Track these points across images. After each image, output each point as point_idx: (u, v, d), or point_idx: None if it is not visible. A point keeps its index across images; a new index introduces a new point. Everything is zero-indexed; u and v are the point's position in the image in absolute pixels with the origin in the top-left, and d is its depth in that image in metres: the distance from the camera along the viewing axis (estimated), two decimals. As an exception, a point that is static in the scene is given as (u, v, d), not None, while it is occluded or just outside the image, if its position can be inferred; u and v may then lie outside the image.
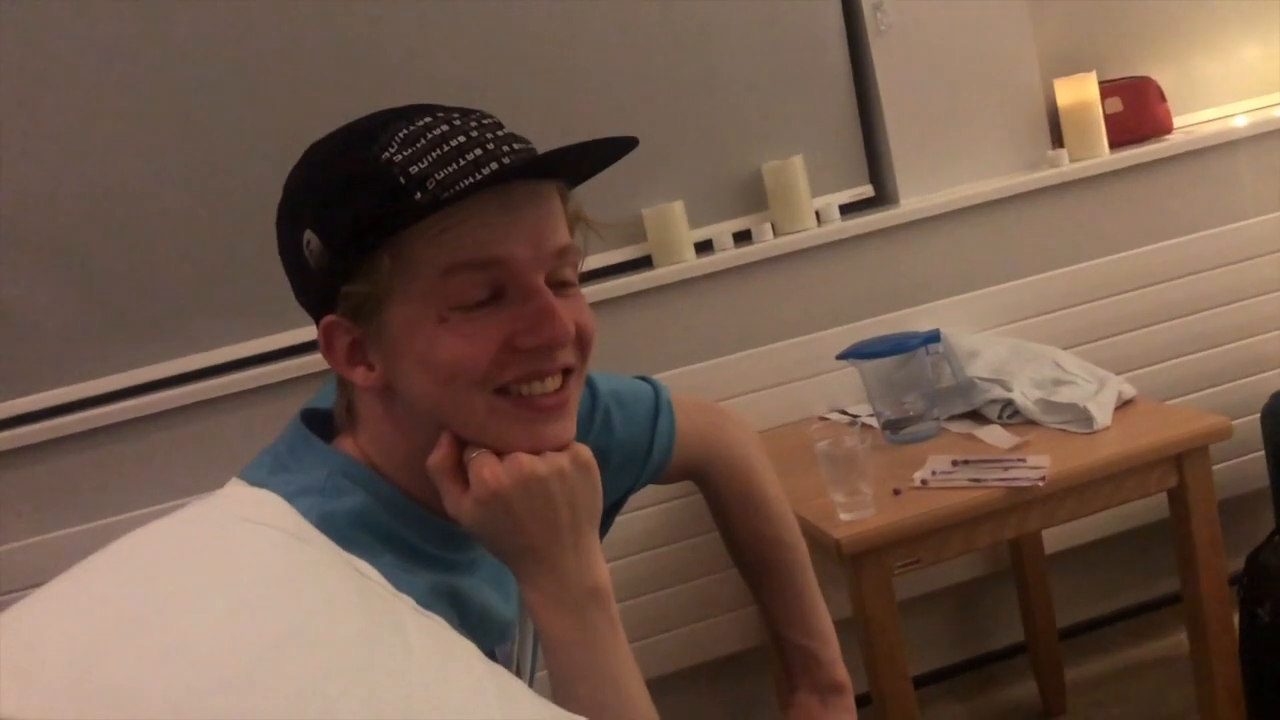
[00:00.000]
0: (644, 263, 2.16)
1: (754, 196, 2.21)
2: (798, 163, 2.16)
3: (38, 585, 0.63)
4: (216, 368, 2.02)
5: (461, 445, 0.84)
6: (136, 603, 0.60)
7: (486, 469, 0.82)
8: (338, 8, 1.98)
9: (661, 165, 2.12)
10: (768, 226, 2.17)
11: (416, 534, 0.85)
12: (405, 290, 0.80)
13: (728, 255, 2.14)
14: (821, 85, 2.21)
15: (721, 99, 2.17)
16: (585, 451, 0.86)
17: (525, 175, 0.81)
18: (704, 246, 2.18)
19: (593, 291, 2.02)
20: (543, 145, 0.84)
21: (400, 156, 0.78)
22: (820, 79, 2.21)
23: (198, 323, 2.00)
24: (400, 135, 0.79)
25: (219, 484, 0.84)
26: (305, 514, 0.76)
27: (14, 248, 1.91)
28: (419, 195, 0.78)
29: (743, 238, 2.20)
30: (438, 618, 0.71)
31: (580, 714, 0.77)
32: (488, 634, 0.89)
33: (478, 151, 0.79)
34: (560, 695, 0.83)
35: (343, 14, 1.99)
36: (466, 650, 0.70)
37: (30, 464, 1.92)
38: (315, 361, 1.93)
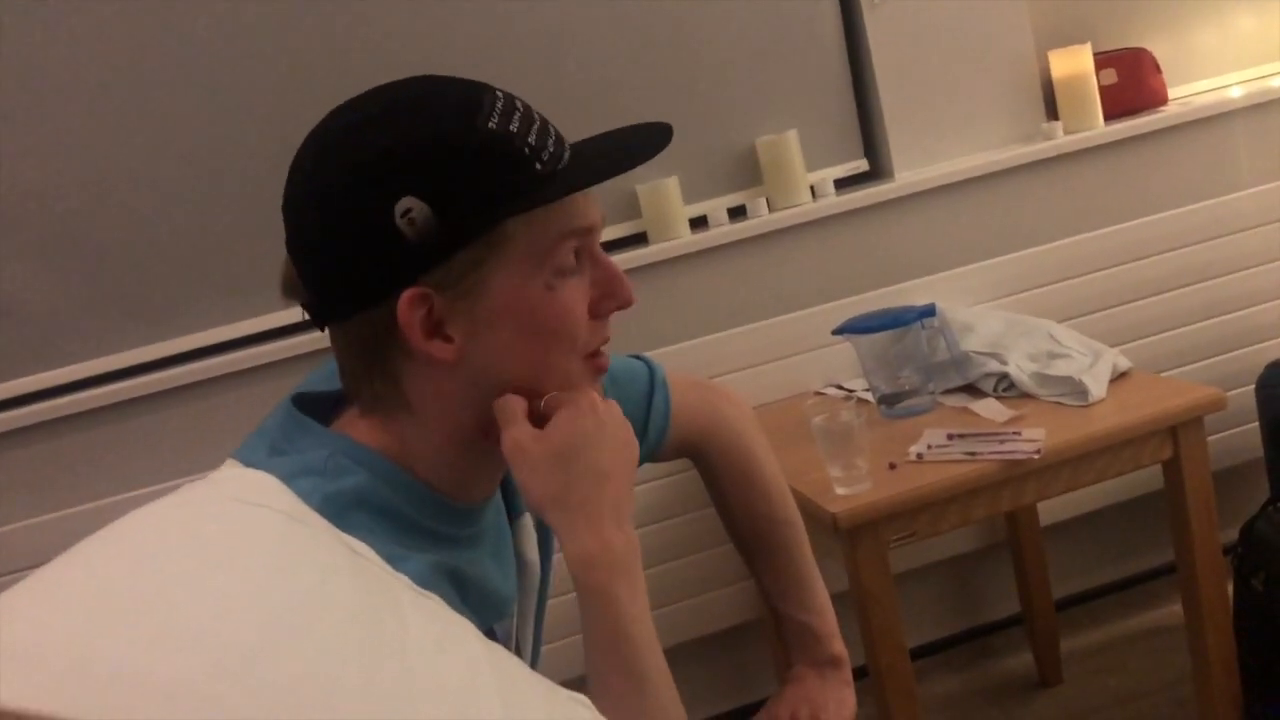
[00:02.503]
0: (639, 239, 2.16)
1: (749, 172, 2.20)
2: (792, 137, 2.15)
3: (32, 568, 0.63)
4: (211, 348, 2.02)
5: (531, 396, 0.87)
6: (133, 587, 0.60)
7: (571, 404, 0.85)
8: (328, -15, 1.97)
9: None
10: (762, 202, 2.17)
11: (420, 511, 0.85)
12: (519, 258, 0.82)
13: (722, 231, 2.14)
14: (816, 59, 2.20)
15: (715, 74, 2.16)
16: (614, 408, 0.90)
17: (628, 168, 0.85)
18: (699, 222, 2.17)
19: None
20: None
21: (513, 128, 0.81)
22: (814, 53, 2.20)
23: (191, 303, 2.00)
24: (498, 107, 0.81)
25: (215, 465, 0.83)
26: (307, 495, 0.76)
27: (5, 231, 1.91)
28: (539, 167, 0.81)
29: (737, 213, 2.19)
30: (435, 597, 0.71)
31: (612, 678, 0.81)
32: (487, 611, 0.89)
33: (552, 130, 0.85)
34: (591, 658, 0.84)
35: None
36: (465, 629, 0.70)
37: (24, 446, 1.92)
38: (309, 341, 1.93)
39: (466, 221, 0.79)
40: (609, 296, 0.88)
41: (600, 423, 0.86)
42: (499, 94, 0.83)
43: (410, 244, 0.79)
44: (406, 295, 0.80)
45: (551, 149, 0.83)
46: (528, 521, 1.02)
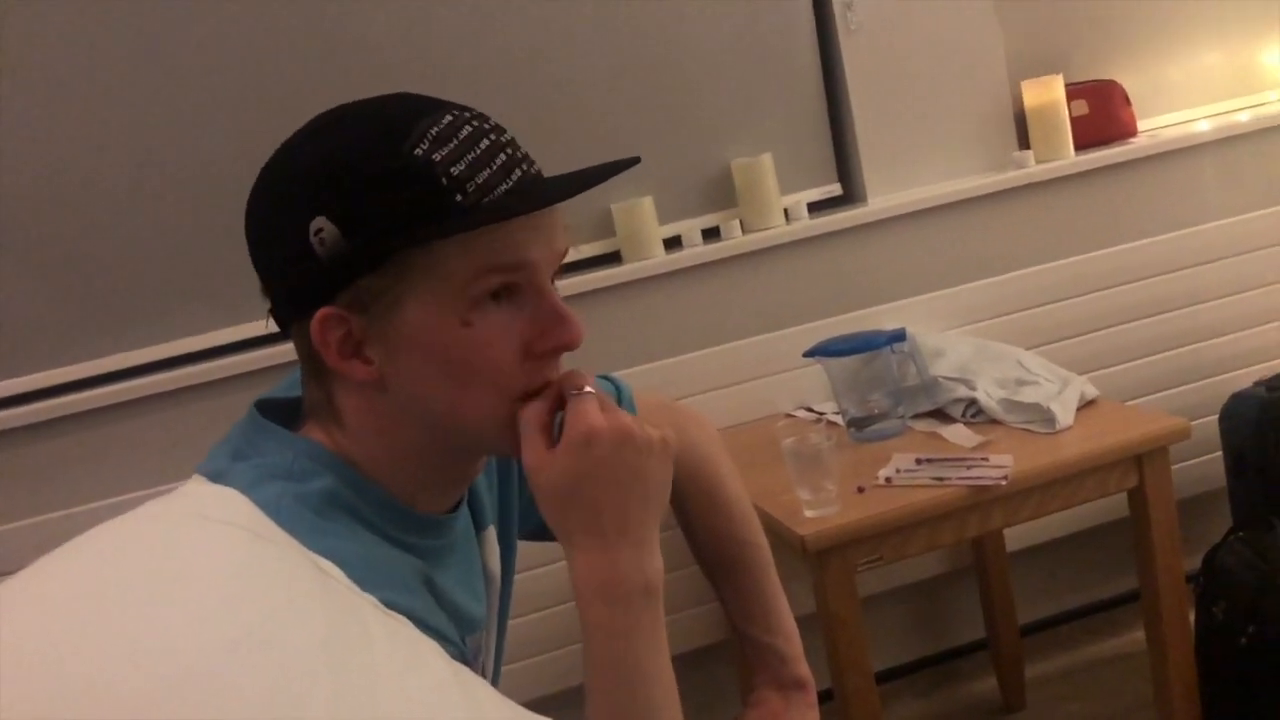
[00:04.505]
0: (613, 258, 2.16)
1: (723, 193, 2.21)
2: (767, 160, 2.16)
3: (6, 574, 0.63)
4: (195, 354, 2.00)
5: (560, 403, 0.83)
6: (99, 606, 0.59)
7: (592, 412, 0.82)
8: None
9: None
10: (736, 223, 2.18)
11: (386, 520, 0.85)
12: (429, 289, 0.79)
13: (696, 251, 2.14)
14: (791, 84, 2.22)
15: (692, 96, 2.17)
16: (673, 437, 0.86)
17: (566, 197, 0.81)
18: (673, 242, 2.18)
19: (561, 286, 1.99)
20: (519, 139, 0.85)
21: (439, 155, 0.78)
22: (790, 77, 2.21)
23: (177, 309, 1.99)
24: (432, 133, 0.79)
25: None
26: (277, 498, 0.76)
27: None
28: (460, 198, 0.78)
29: (712, 234, 2.20)
30: (401, 617, 0.71)
31: (605, 711, 0.78)
32: (459, 625, 0.89)
33: (503, 156, 0.81)
34: (589, 688, 0.82)
35: (317, 5, 1.97)
36: (431, 650, 0.70)
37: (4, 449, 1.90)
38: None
39: (372, 247, 0.78)
40: (546, 336, 0.83)
41: (612, 449, 0.81)
42: (448, 116, 0.80)
43: (323, 264, 0.79)
44: (319, 315, 0.80)
45: (483, 180, 0.79)
46: (492, 534, 1.02)
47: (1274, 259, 2.37)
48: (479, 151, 0.80)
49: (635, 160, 0.86)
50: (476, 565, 0.97)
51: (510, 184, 0.80)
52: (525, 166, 0.83)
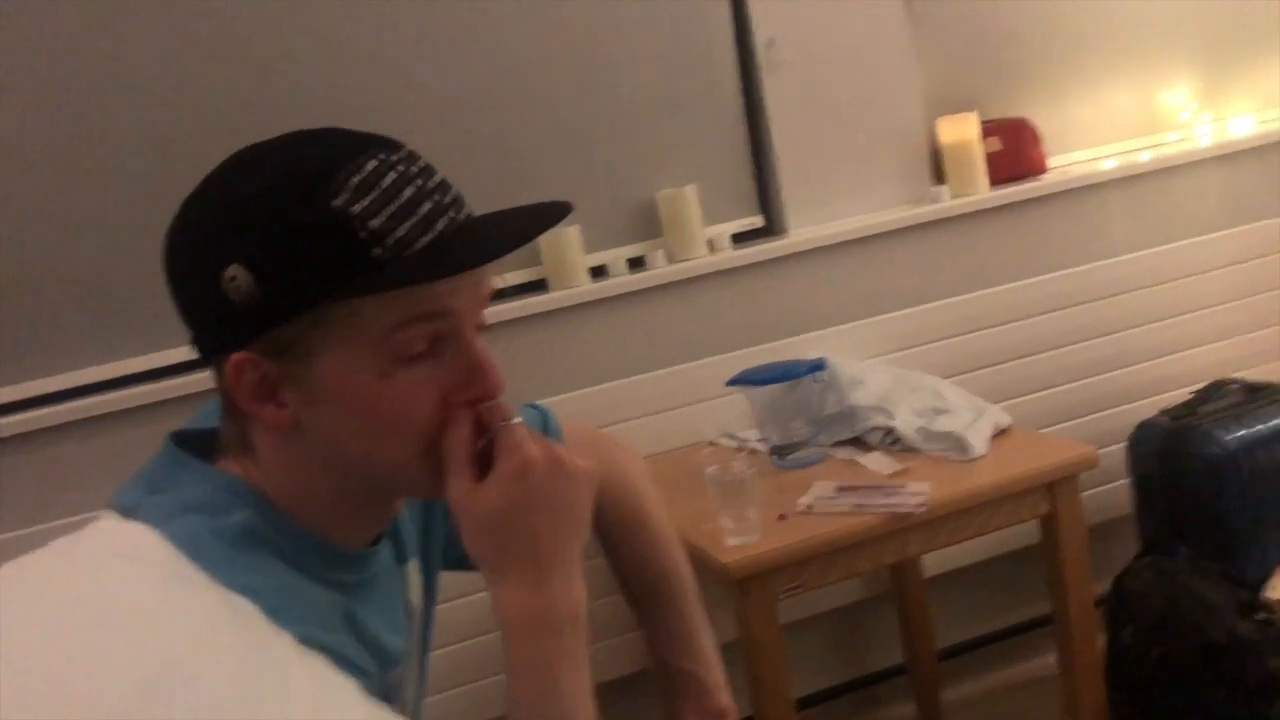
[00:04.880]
0: (539, 285, 2.17)
1: (649, 224, 2.23)
2: (691, 192, 2.19)
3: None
4: (154, 372, 1.95)
5: (481, 430, 0.82)
6: (6, 647, 0.58)
7: (525, 443, 0.81)
8: (227, 17, 1.95)
9: (558, 191, 2.13)
10: (661, 253, 2.20)
11: (305, 554, 0.84)
12: (346, 340, 0.78)
13: (622, 281, 2.16)
14: (715, 118, 2.25)
15: (618, 128, 2.19)
16: (597, 466, 0.86)
17: (488, 260, 0.79)
18: (600, 271, 2.19)
19: (488, 314, 2.01)
20: (445, 173, 0.84)
21: (358, 207, 0.76)
22: (714, 112, 2.25)
23: (106, 332, 1.94)
24: (353, 182, 0.77)
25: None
26: (193, 533, 0.75)
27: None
28: (378, 252, 0.76)
29: (638, 264, 2.22)
30: (317, 656, 0.70)
31: None
32: (380, 661, 0.88)
33: (429, 205, 0.79)
34: (513, 718, 0.81)
35: (231, 24, 1.95)
36: (347, 690, 0.69)
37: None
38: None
39: (288, 298, 0.77)
40: (465, 388, 0.82)
41: (546, 478, 0.81)
42: (373, 162, 0.78)
43: (237, 310, 0.78)
44: (233, 359, 0.79)
45: (404, 233, 0.77)
46: (414, 567, 1.01)
47: (1178, 292, 2.45)
48: (402, 201, 0.78)
49: (567, 210, 0.85)
50: (398, 598, 0.97)
51: (433, 235, 0.79)
52: (454, 213, 0.81)
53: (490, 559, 0.83)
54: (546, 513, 0.82)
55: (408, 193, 0.79)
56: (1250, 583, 2.05)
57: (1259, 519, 2.12)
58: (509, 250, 0.80)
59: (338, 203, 0.76)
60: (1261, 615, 1.97)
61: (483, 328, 0.85)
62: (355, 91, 2.02)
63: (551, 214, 0.83)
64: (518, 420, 0.84)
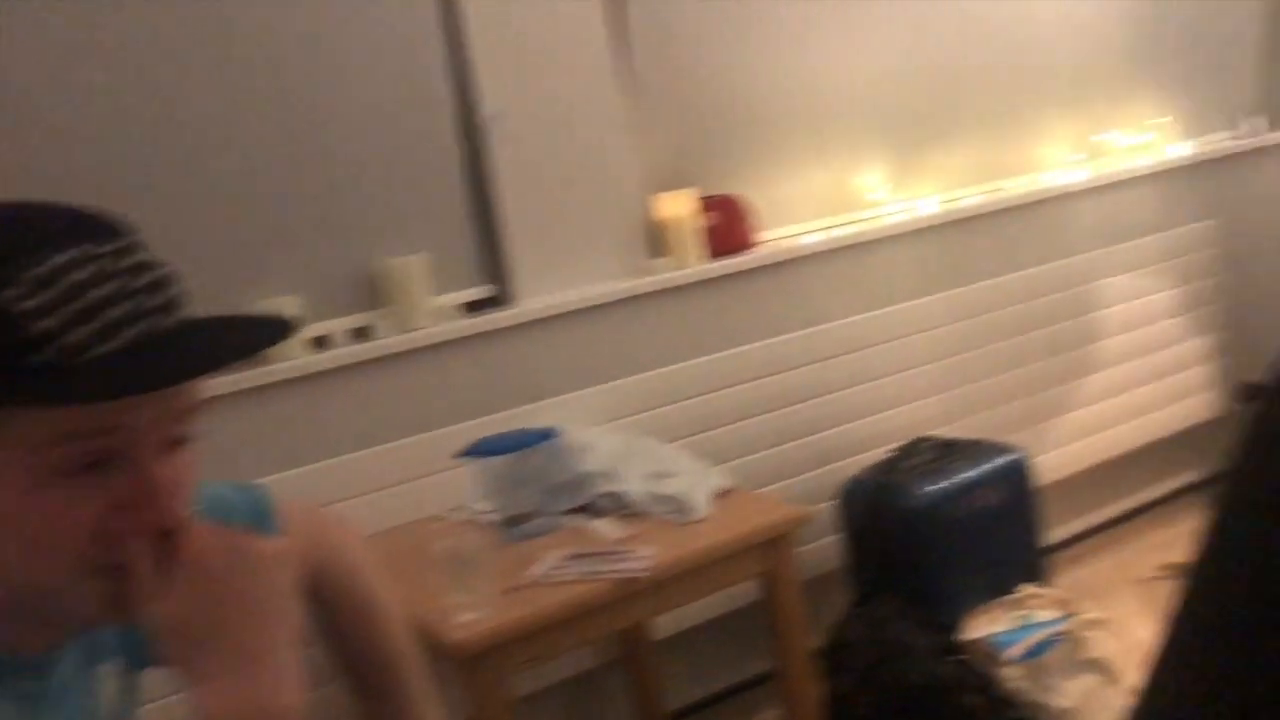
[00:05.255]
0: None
1: (375, 293, 2.19)
2: (418, 261, 2.17)
3: None
4: None
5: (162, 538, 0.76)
6: None
7: (198, 536, 0.76)
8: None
9: (278, 258, 2.06)
10: (388, 324, 2.16)
11: None
12: None
13: (344, 352, 2.10)
14: (444, 189, 2.25)
15: (341, 196, 2.14)
16: (291, 544, 0.82)
17: (171, 383, 0.73)
18: (321, 342, 2.13)
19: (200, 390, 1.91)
20: (153, 245, 0.78)
21: (31, 304, 0.69)
22: (443, 184, 2.25)
23: None
24: (32, 274, 0.70)
25: None
26: None
27: None
28: (40, 356, 0.69)
29: (363, 334, 2.17)
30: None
31: None
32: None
33: (125, 307, 0.72)
34: None
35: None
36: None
37: None
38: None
39: None
40: (128, 515, 0.74)
41: (226, 570, 0.76)
42: (71, 254, 0.71)
43: None
44: None
45: (78, 339, 0.70)
46: (108, 670, 0.93)
47: (878, 357, 2.65)
48: (86, 302, 0.71)
49: (287, 331, 0.81)
50: (91, 704, 0.89)
51: (118, 343, 0.72)
52: (160, 317, 0.75)
53: (187, 664, 0.77)
54: (234, 605, 0.77)
55: (100, 292, 0.72)
56: (949, 626, 2.22)
57: (953, 566, 2.31)
58: (197, 376, 0.74)
59: (7, 294, 0.70)
60: (958, 656, 2.13)
61: (179, 442, 0.78)
62: (56, 155, 1.88)
63: (266, 335, 0.80)
64: (190, 514, 0.78)
